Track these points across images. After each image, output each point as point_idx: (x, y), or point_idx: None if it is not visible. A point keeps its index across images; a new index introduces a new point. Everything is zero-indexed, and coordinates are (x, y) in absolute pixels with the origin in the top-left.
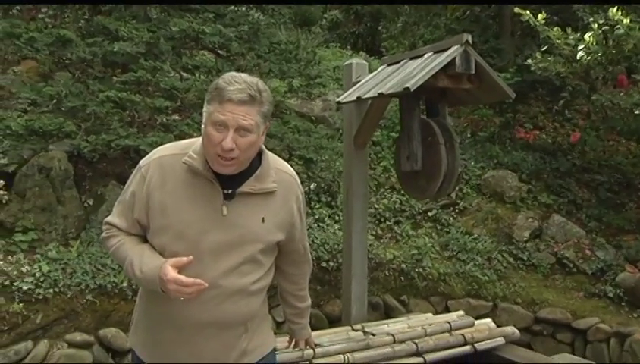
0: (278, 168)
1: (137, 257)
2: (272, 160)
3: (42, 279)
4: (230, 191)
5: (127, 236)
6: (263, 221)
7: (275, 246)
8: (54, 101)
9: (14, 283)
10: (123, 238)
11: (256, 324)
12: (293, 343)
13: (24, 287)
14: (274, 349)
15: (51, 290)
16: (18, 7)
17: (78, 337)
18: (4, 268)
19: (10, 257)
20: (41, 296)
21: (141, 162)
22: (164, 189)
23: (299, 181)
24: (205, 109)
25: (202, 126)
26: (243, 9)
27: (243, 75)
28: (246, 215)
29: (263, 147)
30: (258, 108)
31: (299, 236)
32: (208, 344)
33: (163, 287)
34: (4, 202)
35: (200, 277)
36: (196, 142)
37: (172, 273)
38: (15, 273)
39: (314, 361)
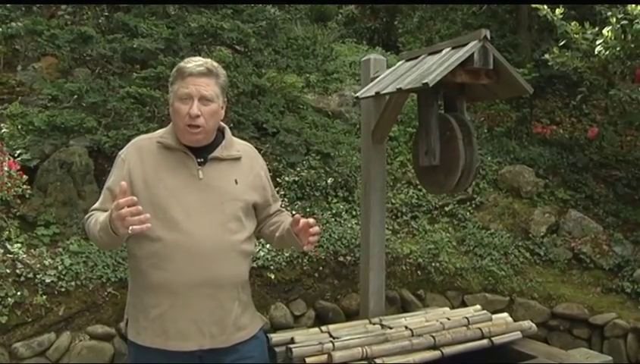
0: (240, 142)
1: (101, 218)
2: (234, 137)
3: (64, 272)
4: (202, 159)
5: (102, 213)
6: (236, 182)
7: (252, 210)
8: (75, 97)
9: (37, 276)
10: (98, 214)
11: (246, 297)
12: (300, 224)
13: (47, 280)
14: (262, 329)
15: (73, 283)
16: (38, 5)
17: (99, 329)
18: (28, 261)
19: (33, 250)
20: (63, 289)
21: (120, 152)
22: (144, 166)
23: (259, 154)
24: (170, 90)
25: (170, 107)
26: (259, 5)
27: (198, 57)
28: (219, 178)
29: (225, 125)
30: (215, 80)
31: (273, 198)
32: (204, 305)
33: (113, 225)
34: (27, 196)
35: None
36: (165, 128)
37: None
38: (38, 266)
39: (333, 353)
